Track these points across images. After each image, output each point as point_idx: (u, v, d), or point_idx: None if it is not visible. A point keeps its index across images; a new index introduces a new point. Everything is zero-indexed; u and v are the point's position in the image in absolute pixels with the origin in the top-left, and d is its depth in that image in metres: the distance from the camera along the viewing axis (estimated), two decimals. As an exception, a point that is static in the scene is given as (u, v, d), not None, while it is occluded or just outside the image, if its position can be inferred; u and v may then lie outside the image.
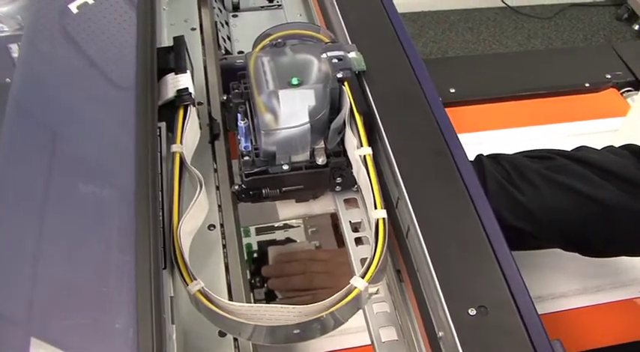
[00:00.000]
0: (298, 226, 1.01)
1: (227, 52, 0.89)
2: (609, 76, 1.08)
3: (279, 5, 0.97)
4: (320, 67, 0.65)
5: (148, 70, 0.59)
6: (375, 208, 0.55)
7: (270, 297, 0.90)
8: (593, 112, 1.04)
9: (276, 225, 1.00)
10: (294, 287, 0.87)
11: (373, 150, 0.61)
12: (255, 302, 0.88)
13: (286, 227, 1.00)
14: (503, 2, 2.52)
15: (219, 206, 0.64)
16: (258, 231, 0.99)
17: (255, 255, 0.96)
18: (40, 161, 0.50)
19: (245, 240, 0.98)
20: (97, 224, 0.46)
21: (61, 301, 0.43)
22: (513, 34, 2.45)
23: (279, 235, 1.00)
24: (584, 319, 0.81)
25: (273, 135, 0.60)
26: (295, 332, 0.49)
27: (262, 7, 0.99)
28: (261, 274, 0.91)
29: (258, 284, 0.91)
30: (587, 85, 1.06)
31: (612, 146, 0.76)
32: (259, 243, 0.97)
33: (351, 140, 0.61)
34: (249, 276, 0.93)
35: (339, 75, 0.64)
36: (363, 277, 0.51)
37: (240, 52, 0.90)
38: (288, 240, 0.99)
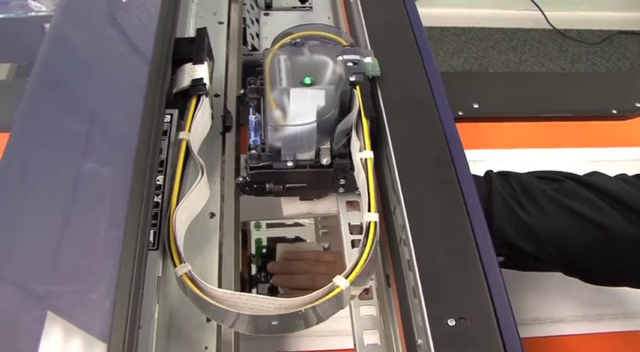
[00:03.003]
0: (311, 224, 1.02)
1: (254, 49, 0.91)
2: (639, 105, 1.06)
3: (311, 7, 0.98)
4: (334, 69, 0.66)
5: (163, 57, 0.60)
6: (369, 211, 0.56)
7: (273, 293, 0.91)
8: (618, 140, 1.02)
9: (287, 223, 1.01)
10: (297, 286, 0.88)
11: (378, 156, 0.62)
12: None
13: (298, 225, 1.01)
14: (550, 24, 2.49)
15: (222, 196, 0.66)
16: (270, 227, 1.00)
17: (263, 250, 0.98)
18: (45, 133, 0.53)
19: (256, 234, 1.00)
20: (92, 198, 0.48)
21: (45, 268, 0.44)
22: (557, 57, 2.42)
23: (289, 233, 1.01)
24: (580, 346, 0.80)
25: (280, 131, 0.61)
26: (274, 323, 0.50)
27: (294, 7, 1.00)
28: (267, 269, 0.92)
29: (263, 280, 0.92)
30: (614, 111, 1.05)
31: (625, 174, 0.75)
32: (269, 239, 0.99)
33: (355, 143, 0.62)
34: (255, 271, 0.95)
35: (352, 78, 0.65)
36: (347, 276, 0.52)
37: (268, 49, 0.91)
38: (298, 239, 1.00)
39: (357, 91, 0.64)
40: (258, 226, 0.98)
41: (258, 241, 0.98)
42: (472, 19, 2.52)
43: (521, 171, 0.76)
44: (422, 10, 0.79)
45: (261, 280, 0.92)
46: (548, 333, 0.80)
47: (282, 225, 1.00)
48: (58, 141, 0.53)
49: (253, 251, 0.98)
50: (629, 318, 0.82)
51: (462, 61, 2.38)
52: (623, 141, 1.03)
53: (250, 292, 0.92)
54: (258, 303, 0.50)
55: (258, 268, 0.95)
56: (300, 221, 1.00)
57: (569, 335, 0.80)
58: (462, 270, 0.53)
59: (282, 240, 0.98)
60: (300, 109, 0.61)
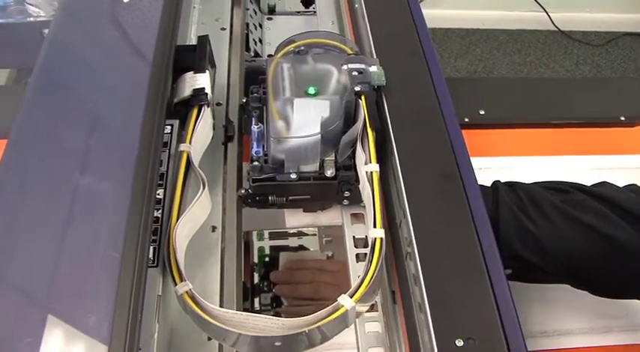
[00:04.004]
0: (314, 234, 1.01)
1: (257, 55, 0.89)
2: (647, 111, 1.05)
3: (315, 12, 0.97)
4: (339, 79, 0.64)
5: (163, 66, 0.59)
6: (374, 227, 0.55)
7: (276, 303, 0.90)
8: (626, 147, 1.00)
9: (290, 232, 0.99)
10: (300, 296, 0.87)
11: (383, 168, 0.61)
12: (260, 307, 0.88)
13: (301, 234, 1.00)
14: (555, 26, 2.48)
15: (224, 209, 0.64)
16: (272, 236, 0.99)
17: (266, 258, 0.96)
18: (42, 144, 0.51)
19: (258, 244, 0.98)
20: (90, 215, 0.47)
21: (40, 287, 0.43)
22: (562, 59, 2.40)
23: (292, 241, 0.99)
24: (589, 359, 0.78)
25: (283, 143, 0.60)
26: (277, 344, 0.49)
27: (298, 12, 0.99)
28: (269, 279, 0.91)
29: (266, 289, 0.91)
30: (622, 118, 1.03)
31: (635, 184, 0.74)
32: (272, 247, 0.97)
33: (360, 155, 0.60)
34: (257, 280, 0.93)
35: (357, 88, 0.63)
36: (352, 296, 0.50)
37: (270, 56, 0.90)
38: (301, 248, 0.98)
39: (363, 102, 0.63)
40: (260, 235, 0.97)
41: (261, 249, 0.97)
42: (476, 21, 2.50)
43: (529, 179, 0.75)
44: (426, 12, 0.77)
45: (263, 289, 0.91)
46: (556, 346, 0.78)
47: (286, 234, 0.98)
48: (55, 153, 0.51)
49: (256, 259, 0.96)
50: (639, 331, 0.81)
51: (467, 62, 2.36)
52: (632, 149, 1.01)
53: (253, 301, 0.90)
54: (261, 323, 0.49)
55: (261, 277, 0.94)
56: (304, 230, 0.99)
57: (577, 347, 0.78)
58: (469, 287, 0.52)
59: (285, 248, 0.96)
60: (303, 120, 0.60)
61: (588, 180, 0.75)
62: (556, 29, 2.49)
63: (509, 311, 0.51)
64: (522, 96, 1.06)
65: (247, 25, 0.89)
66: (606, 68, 2.39)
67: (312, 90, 0.62)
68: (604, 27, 2.54)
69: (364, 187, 0.59)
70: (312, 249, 0.98)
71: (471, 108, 1.00)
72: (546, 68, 2.36)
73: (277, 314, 0.86)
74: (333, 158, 0.62)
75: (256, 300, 0.91)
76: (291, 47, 0.70)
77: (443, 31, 2.49)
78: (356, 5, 0.82)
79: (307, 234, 0.98)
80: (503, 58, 2.40)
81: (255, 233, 0.97)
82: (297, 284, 0.87)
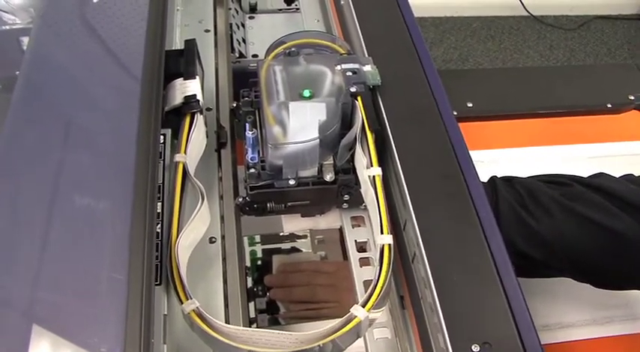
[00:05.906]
0: (305, 236, 0.99)
1: (241, 55, 0.87)
2: (632, 97, 1.05)
3: (297, 9, 0.95)
4: (333, 80, 0.63)
5: (154, 74, 0.57)
6: (382, 233, 0.53)
7: (271, 307, 0.88)
8: (614, 135, 1.01)
9: (282, 234, 0.98)
10: (297, 299, 0.85)
11: (384, 169, 0.59)
12: (256, 312, 0.87)
13: (293, 237, 0.98)
14: (527, 11, 2.48)
15: (222, 217, 0.62)
16: (264, 239, 0.97)
17: (259, 262, 0.94)
18: (35, 169, 0.49)
19: (250, 248, 0.96)
20: (91, 237, 0.45)
21: (49, 318, 0.41)
22: (535, 44, 2.41)
23: (284, 244, 0.98)
24: (592, 351, 0.78)
25: (281, 149, 0.58)
26: (289, 359, 0.47)
27: (280, 9, 0.97)
28: (263, 283, 0.89)
29: (260, 293, 0.89)
30: (608, 105, 1.03)
31: (632, 174, 0.73)
32: (264, 251, 0.95)
33: (360, 158, 0.59)
34: (251, 284, 0.92)
35: (353, 89, 0.62)
36: (364, 305, 0.49)
37: (255, 56, 0.88)
38: (294, 250, 0.97)
39: (359, 103, 0.61)
40: (252, 239, 0.95)
41: (253, 253, 0.95)
42: (449, 9, 2.49)
43: (522, 171, 0.74)
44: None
45: (258, 294, 0.89)
46: (559, 339, 0.78)
47: (277, 236, 0.96)
48: (48, 173, 0.49)
49: (248, 263, 0.94)
50: (639, 320, 0.81)
51: (442, 51, 2.35)
52: (620, 136, 1.01)
53: (248, 307, 0.88)
54: (273, 338, 0.47)
55: (254, 281, 0.92)
56: (296, 232, 0.97)
57: (579, 340, 0.78)
58: (481, 290, 0.51)
59: (278, 251, 0.95)
60: (300, 125, 0.58)
61: (580, 168, 0.75)
62: (528, 14, 2.50)
63: (524, 313, 0.50)
64: (509, 87, 1.06)
65: (230, 25, 0.87)
66: (580, 52, 2.40)
67: (306, 93, 0.61)
68: (575, 11, 2.54)
69: (367, 191, 0.58)
70: (304, 251, 0.96)
71: (459, 101, 0.99)
72: (521, 54, 2.37)
73: (275, 320, 0.85)
74: (332, 162, 0.61)
75: (251, 305, 0.89)
76: (280, 49, 0.68)
77: (416, 20, 2.47)
78: (342, 1, 0.80)
79: (299, 236, 0.97)
80: (477, 46, 2.40)
81: (246, 237, 0.95)
82: (292, 287, 0.86)
